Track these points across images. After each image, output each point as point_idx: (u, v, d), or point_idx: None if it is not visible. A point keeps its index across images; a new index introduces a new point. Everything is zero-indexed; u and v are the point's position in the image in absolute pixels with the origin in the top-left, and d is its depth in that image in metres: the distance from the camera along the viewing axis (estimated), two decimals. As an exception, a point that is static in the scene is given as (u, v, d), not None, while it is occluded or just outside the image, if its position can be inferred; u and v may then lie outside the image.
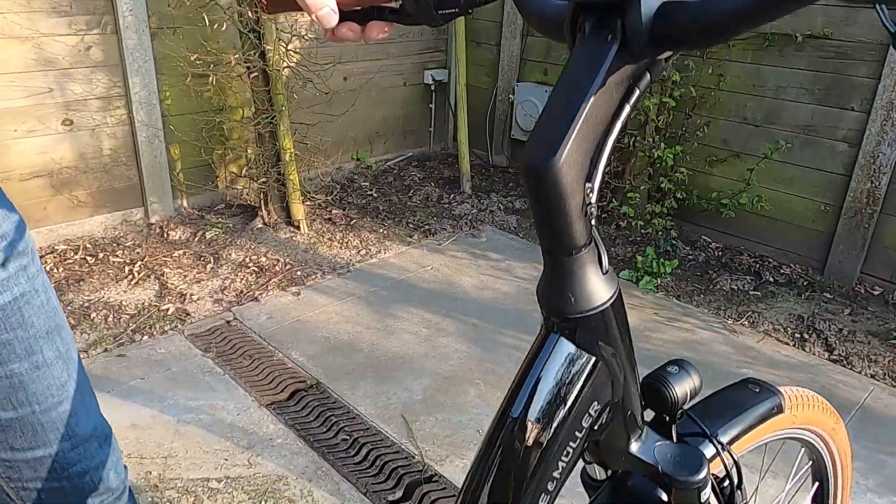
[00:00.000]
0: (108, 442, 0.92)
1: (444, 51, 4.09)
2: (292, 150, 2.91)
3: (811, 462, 0.99)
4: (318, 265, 2.80)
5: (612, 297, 0.52)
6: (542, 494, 0.53)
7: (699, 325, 2.48)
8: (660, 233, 3.09)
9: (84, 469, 0.88)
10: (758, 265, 2.96)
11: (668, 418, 0.67)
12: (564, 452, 0.53)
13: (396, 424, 1.91)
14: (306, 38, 2.94)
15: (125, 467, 0.99)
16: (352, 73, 3.66)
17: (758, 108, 2.93)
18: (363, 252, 2.94)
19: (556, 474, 0.53)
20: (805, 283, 2.83)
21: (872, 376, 2.22)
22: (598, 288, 0.51)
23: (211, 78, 2.72)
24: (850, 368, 2.26)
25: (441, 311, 2.49)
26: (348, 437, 1.85)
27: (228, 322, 2.38)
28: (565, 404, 0.52)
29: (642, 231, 3.12)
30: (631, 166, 3.08)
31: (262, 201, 3.04)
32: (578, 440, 0.54)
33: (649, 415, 0.68)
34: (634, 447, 0.61)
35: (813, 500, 1.03)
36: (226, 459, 1.75)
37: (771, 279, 2.85)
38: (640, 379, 0.66)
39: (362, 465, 1.76)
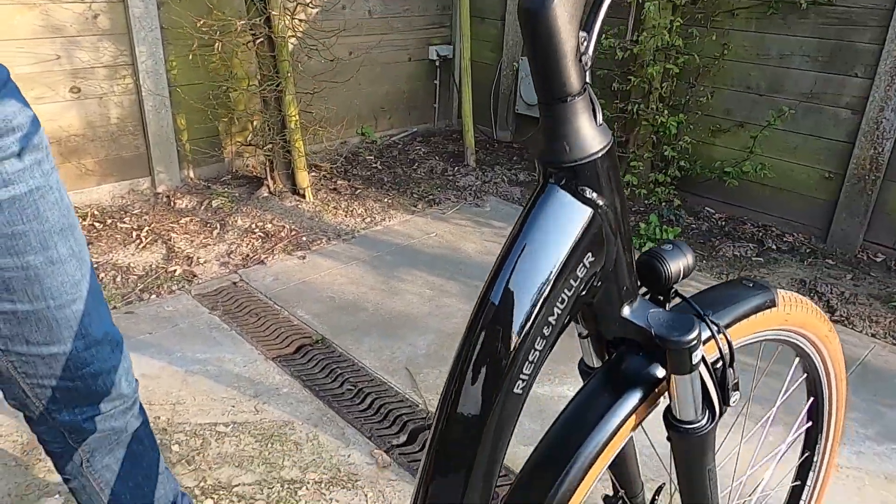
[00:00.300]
0: (120, 349, 0.95)
1: (448, 26, 4.10)
2: (297, 117, 2.93)
3: (805, 374, 1.01)
4: (323, 231, 2.82)
5: (605, 147, 0.54)
6: (539, 338, 0.55)
7: (702, 287, 2.50)
8: (663, 202, 3.10)
9: (97, 371, 0.90)
10: (761, 234, 2.98)
11: (661, 297, 0.69)
12: (559, 300, 0.55)
13: (401, 376, 1.93)
14: (312, 5, 2.96)
15: (136, 380, 1.01)
16: (356, 48, 3.67)
17: (761, 76, 2.94)
18: (368, 220, 2.96)
19: (551, 320, 0.55)
20: (808, 251, 2.84)
21: (873, 335, 2.24)
22: (591, 137, 0.53)
23: (217, 45, 2.74)
24: (852, 328, 2.27)
25: (445, 274, 2.51)
26: (353, 388, 1.88)
27: (235, 283, 2.41)
28: (562, 250, 0.54)
29: (646, 200, 3.13)
30: (635, 135, 3.09)
31: (268, 170, 3.07)
32: (574, 289, 0.56)
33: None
34: (627, 311, 0.63)
35: (808, 416, 1.05)
36: (233, 406, 1.78)
37: (774, 247, 2.86)
38: (636, 257, 0.68)
39: (367, 413, 1.79)
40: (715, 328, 0.70)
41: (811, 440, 1.08)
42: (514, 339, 0.54)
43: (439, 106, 4.24)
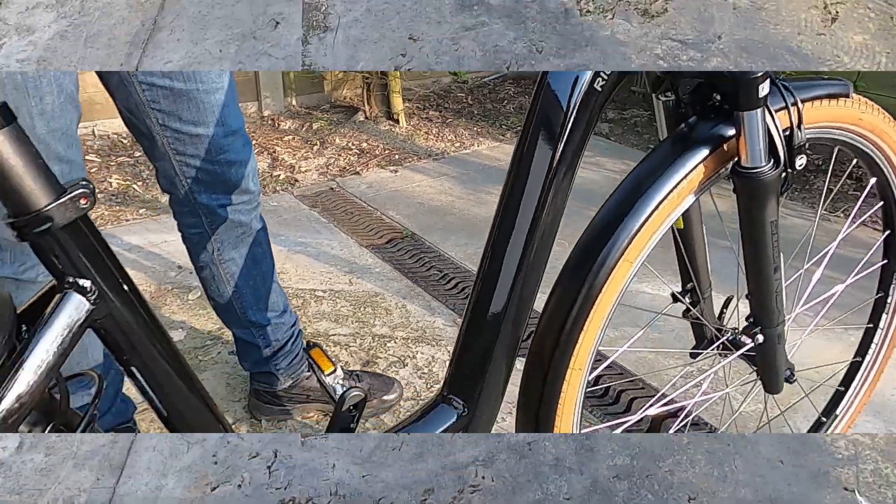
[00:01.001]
0: (250, 149, 1.10)
1: (544, -31, 4.12)
2: (395, 44, 3.07)
3: (882, 203, 1.04)
4: (414, 152, 2.96)
5: None
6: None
7: (790, 214, 2.47)
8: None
9: (231, 160, 1.06)
10: (859, 171, 2.88)
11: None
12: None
13: (484, 266, 2.04)
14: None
15: (260, 186, 1.17)
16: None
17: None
18: (457, 144, 3.08)
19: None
20: (910, 188, 2.73)
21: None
22: None
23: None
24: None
25: (530, 190, 2.59)
26: (439, 272, 2.01)
27: (332, 189, 2.58)
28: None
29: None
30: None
31: (365, 96, 3.23)
32: None
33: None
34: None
35: (884, 252, 1.08)
36: (329, 278, 1.95)
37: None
38: None
39: (452, 291, 1.91)
40: (785, 91, 0.76)
41: (886, 279, 1.10)
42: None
43: (531, 50, 4.27)
